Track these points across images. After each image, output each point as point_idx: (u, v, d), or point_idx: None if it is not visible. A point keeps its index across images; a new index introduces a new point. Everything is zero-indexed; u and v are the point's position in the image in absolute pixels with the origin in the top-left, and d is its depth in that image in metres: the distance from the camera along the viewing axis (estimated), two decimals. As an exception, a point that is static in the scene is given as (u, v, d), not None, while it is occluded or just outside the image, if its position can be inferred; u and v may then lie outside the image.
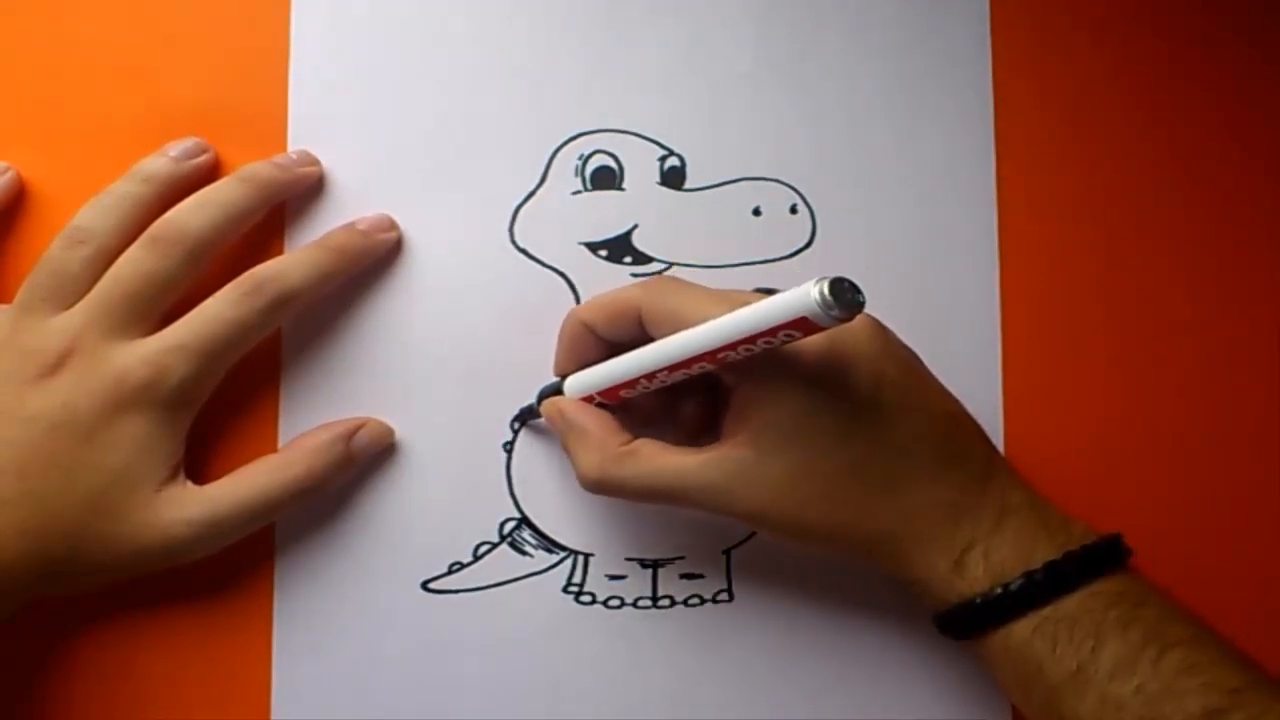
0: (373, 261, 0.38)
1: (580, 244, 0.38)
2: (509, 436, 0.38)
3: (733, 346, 0.30)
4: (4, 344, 0.34)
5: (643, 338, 0.33)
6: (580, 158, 0.39)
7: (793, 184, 0.39)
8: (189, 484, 0.35)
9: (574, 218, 0.38)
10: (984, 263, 0.39)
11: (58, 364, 0.34)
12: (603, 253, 0.38)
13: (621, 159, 0.39)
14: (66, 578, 0.34)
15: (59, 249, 0.35)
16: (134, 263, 0.34)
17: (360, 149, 0.38)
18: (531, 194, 0.38)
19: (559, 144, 0.39)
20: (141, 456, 0.34)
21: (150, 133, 0.37)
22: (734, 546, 0.38)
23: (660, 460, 0.33)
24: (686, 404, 0.36)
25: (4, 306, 0.35)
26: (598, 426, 0.34)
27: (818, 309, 0.28)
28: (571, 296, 0.38)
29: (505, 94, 0.39)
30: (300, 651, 0.37)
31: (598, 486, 0.34)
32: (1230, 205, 0.40)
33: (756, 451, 0.32)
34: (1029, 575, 0.32)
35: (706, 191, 0.39)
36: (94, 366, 0.34)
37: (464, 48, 0.39)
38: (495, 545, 0.38)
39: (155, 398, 0.34)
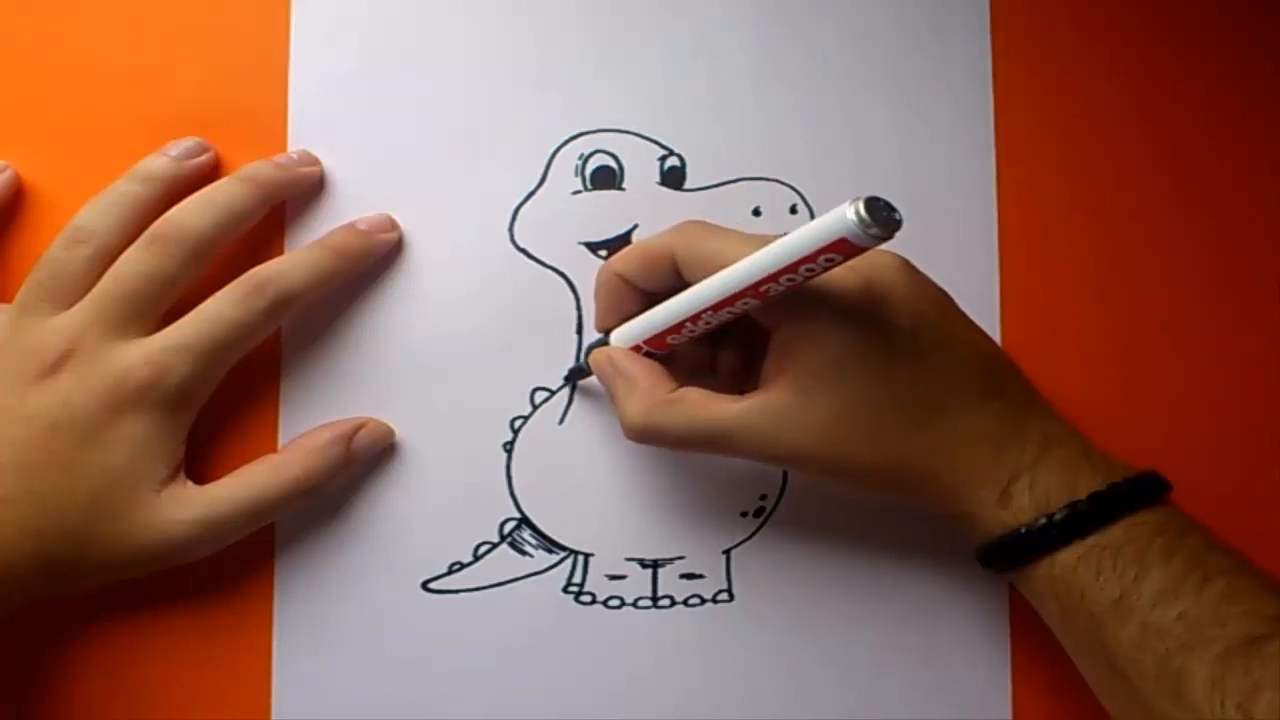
0: (373, 261, 0.38)
1: (580, 244, 0.38)
2: (509, 436, 0.38)
3: (774, 278, 0.30)
4: (4, 344, 0.34)
5: (678, 285, 0.34)
6: (580, 158, 0.39)
7: (793, 184, 0.39)
8: (189, 484, 0.35)
9: (574, 218, 0.38)
10: (984, 262, 0.39)
11: (58, 364, 0.34)
12: (603, 253, 0.38)
13: (621, 159, 0.39)
14: (67, 577, 0.34)
15: (59, 249, 0.35)
16: (134, 262, 0.34)
17: (360, 149, 0.38)
18: (531, 194, 0.38)
19: (559, 144, 0.39)
20: (142, 456, 0.34)
21: (150, 133, 0.37)
22: (734, 546, 0.38)
23: (704, 407, 0.33)
24: (727, 355, 0.37)
25: (4, 306, 0.35)
26: (645, 374, 0.34)
27: (856, 228, 0.28)
28: (571, 296, 0.38)
29: (505, 94, 0.39)
30: (300, 651, 0.37)
31: (643, 433, 0.34)
32: (1230, 205, 0.40)
33: (798, 394, 0.33)
34: (1073, 505, 0.32)
35: (706, 191, 0.39)
36: (94, 366, 0.34)
37: (464, 48, 0.39)
38: (495, 545, 0.38)
39: (156, 398, 0.34)
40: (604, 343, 0.37)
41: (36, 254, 0.35)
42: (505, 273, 0.38)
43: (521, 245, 0.38)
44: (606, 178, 0.39)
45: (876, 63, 0.39)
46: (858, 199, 0.28)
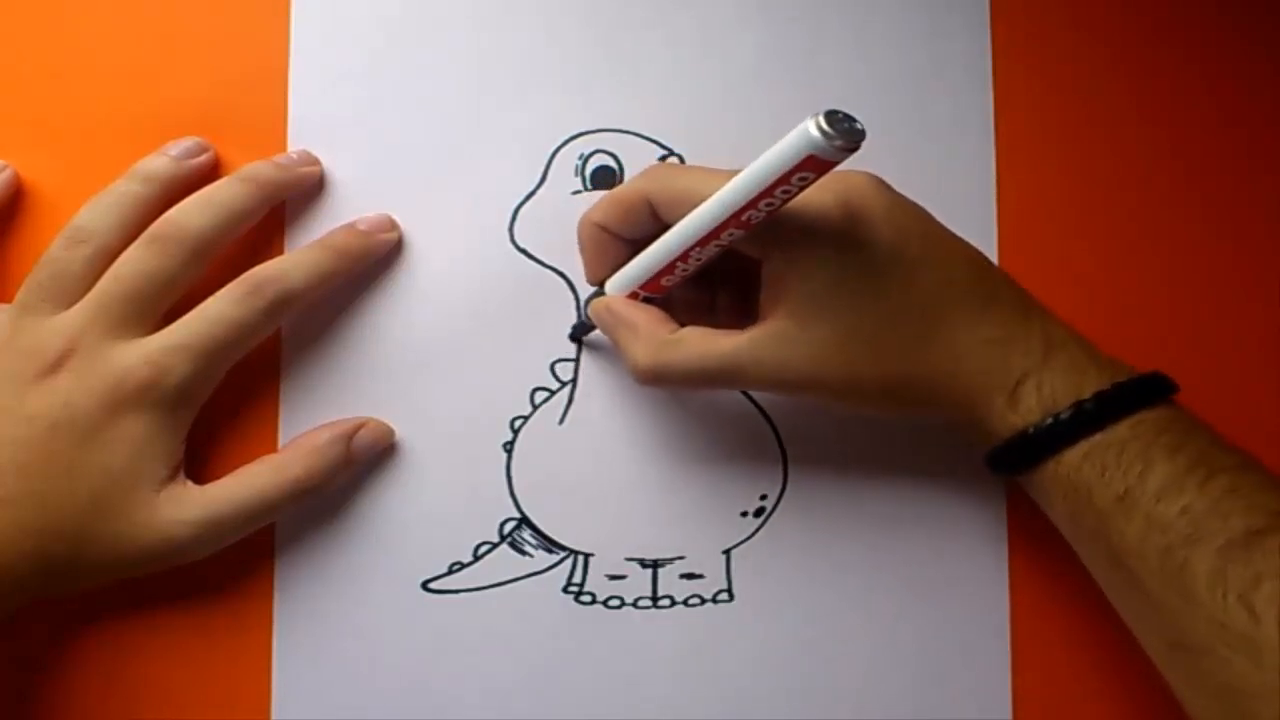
0: (373, 261, 0.38)
1: (580, 244, 0.38)
2: (509, 436, 0.38)
3: (754, 204, 0.31)
4: (4, 344, 0.34)
5: (658, 230, 0.34)
6: (580, 158, 0.39)
7: (793, 184, 0.39)
8: (189, 484, 0.35)
9: (574, 218, 0.38)
10: (984, 263, 0.39)
11: (58, 363, 0.34)
12: (603, 253, 0.38)
13: (621, 159, 0.39)
14: (67, 578, 0.34)
15: (59, 248, 0.35)
16: (134, 262, 0.34)
17: (360, 149, 0.38)
18: (531, 194, 0.38)
19: (559, 144, 0.39)
20: (142, 456, 0.34)
21: (150, 133, 0.37)
22: (734, 546, 0.38)
23: (709, 343, 0.34)
24: (725, 295, 0.37)
25: (4, 306, 0.35)
26: (645, 318, 0.35)
27: (821, 141, 0.28)
28: (571, 296, 0.38)
29: (505, 94, 0.39)
30: (300, 651, 0.37)
31: (651, 374, 0.34)
32: (1230, 204, 0.40)
33: (798, 321, 0.33)
34: (1079, 404, 0.32)
35: (706, 191, 0.39)
36: (94, 366, 0.34)
37: (464, 48, 0.39)
38: (495, 545, 0.38)
39: (155, 397, 0.34)
40: (601, 295, 0.37)
41: (36, 254, 0.35)
42: (505, 273, 0.38)
43: (521, 245, 0.38)
44: (606, 178, 0.39)
45: (876, 63, 0.39)
46: (817, 113, 0.28)
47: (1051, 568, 0.37)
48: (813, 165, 0.29)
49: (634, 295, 0.35)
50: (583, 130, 0.39)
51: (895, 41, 0.39)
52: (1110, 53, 0.40)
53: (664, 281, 0.34)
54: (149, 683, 0.37)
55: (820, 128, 0.28)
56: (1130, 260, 0.39)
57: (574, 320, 0.38)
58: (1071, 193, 0.39)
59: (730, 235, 0.32)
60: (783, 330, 0.33)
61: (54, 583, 0.34)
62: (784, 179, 0.30)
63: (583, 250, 0.37)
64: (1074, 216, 0.39)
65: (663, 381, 0.35)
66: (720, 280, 0.37)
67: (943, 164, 0.39)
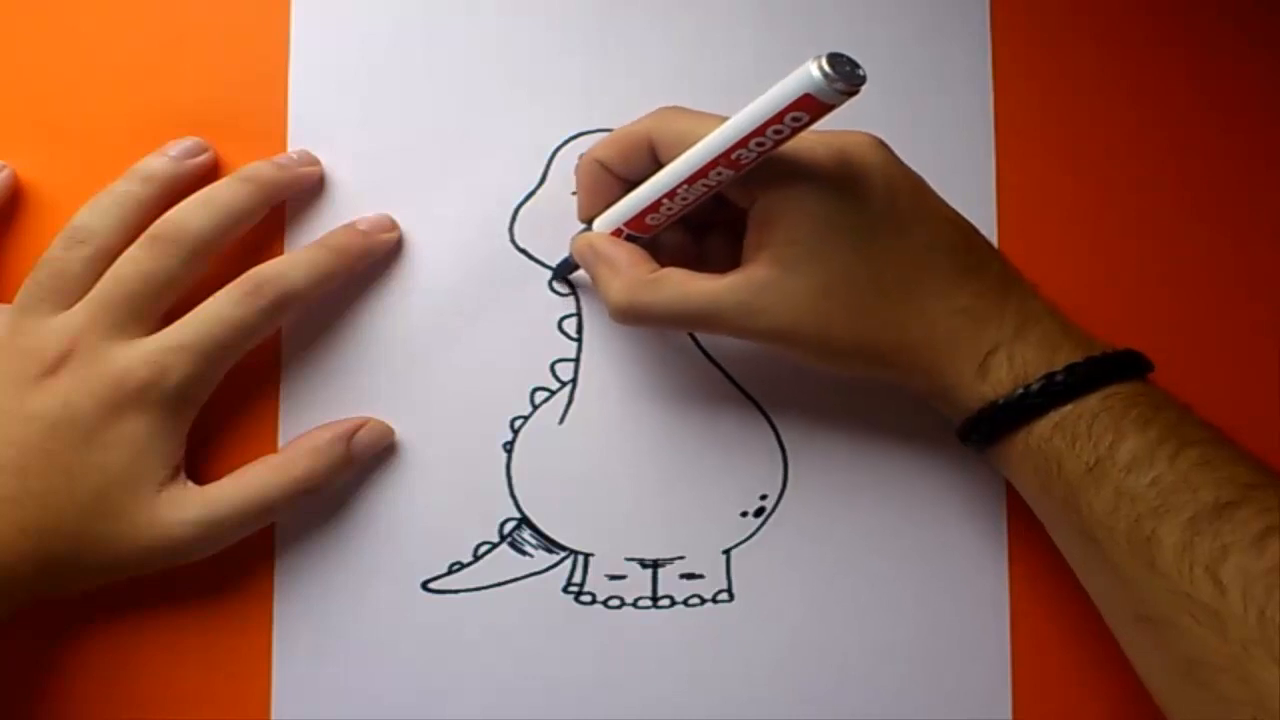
0: (373, 261, 0.38)
1: (580, 244, 0.38)
2: (509, 436, 0.38)
3: (744, 143, 0.31)
4: (4, 344, 0.34)
5: (657, 170, 0.34)
6: (580, 158, 0.39)
7: (793, 184, 0.39)
8: (189, 484, 0.35)
9: (574, 218, 0.38)
10: (984, 263, 0.39)
11: (58, 364, 0.34)
12: (603, 253, 0.38)
13: (621, 159, 0.39)
14: (67, 577, 0.34)
15: (59, 249, 0.35)
16: (134, 262, 0.34)
17: (360, 149, 0.38)
18: (531, 194, 0.38)
19: (559, 144, 0.39)
20: (142, 456, 0.34)
21: (150, 133, 0.37)
22: (734, 546, 0.38)
23: (688, 285, 0.34)
24: (713, 241, 0.37)
25: (4, 306, 0.35)
26: (626, 256, 0.35)
27: (820, 81, 0.28)
28: (571, 296, 0.38)
29: (505, 94, 0.39)
30: (300, 651, 0.37)
31: (628, 312, 0.34)
32: (1230, 204, 0.40)
33: (780, 269, 0.33)
34: (1050, 376, 0.32)
35: (706, 191, 0.39)
36: (94, 366, 0.34)
37: (464, 48, 0.39)
38: (495, 545, 0.38)
39: (155, 398, 0.34)
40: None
41: (36, 254, 0.35)
42: (505, 273, 0.38)
43: (521, 245, 0.38)
44: (606, 178, 0.38)
45: (877, 63, 0.39)
46: (820, 55, 0.28)
47: (1052, 567, 0.37)
48: (808, 105, 0.29)
49: (618, 233, 0.35)
50: (583, 130, 0.39)
51: (895, 41, 0.39)
52: (1110, 53, 0.40)
53: (649, 220, 0.34)
54: (149, 683, 0.37)
55: (821, 68, 0.28)
56: (1130, 260, 0.39)
57: (573, 321, 0.38)
58: (1071, 192, 0.39)
59: (719, 174, 0.32)
60: (764, 276, 0.33)
61: (54, 583, 0.34)
62: (778, 117, 0.29)
63: (579, 186, 0.37)
64: (1074, 216, 0.39)
65: (639, 321, 0.35)
66: (710, 230, 0.37)
67: (943, 164, 0.39)
